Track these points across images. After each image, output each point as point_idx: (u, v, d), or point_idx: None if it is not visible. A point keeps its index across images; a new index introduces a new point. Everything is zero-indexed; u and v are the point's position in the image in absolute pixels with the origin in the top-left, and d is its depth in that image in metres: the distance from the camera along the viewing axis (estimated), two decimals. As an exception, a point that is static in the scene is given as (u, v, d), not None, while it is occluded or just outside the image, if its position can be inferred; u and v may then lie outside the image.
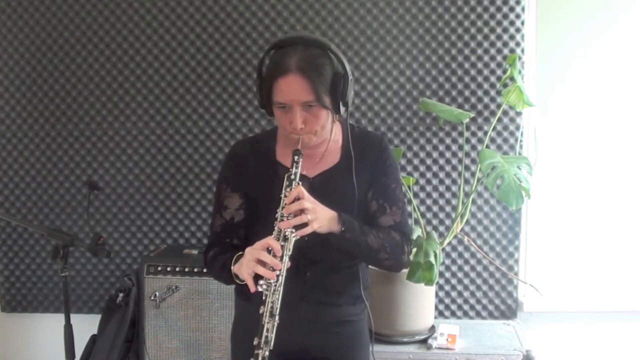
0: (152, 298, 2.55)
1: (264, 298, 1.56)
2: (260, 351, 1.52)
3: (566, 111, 2.70)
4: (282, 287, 1.55)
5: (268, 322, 1.54)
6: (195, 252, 2.64)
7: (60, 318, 2.22)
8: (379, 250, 1.71)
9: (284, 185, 1.63)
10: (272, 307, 1.55)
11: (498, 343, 2.48)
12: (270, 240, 1.57)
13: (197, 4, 2.76)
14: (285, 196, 1.60)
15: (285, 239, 1.57)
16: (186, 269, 2.54)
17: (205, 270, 1.84)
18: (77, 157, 2.87)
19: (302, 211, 1.58)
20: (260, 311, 1.55)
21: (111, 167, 2.86)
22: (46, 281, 2.94)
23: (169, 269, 2.55)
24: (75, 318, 2.24)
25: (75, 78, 2.83)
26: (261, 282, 1.55)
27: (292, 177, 1.63)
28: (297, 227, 1.58)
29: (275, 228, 1.59)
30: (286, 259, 1.57)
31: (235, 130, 2.79)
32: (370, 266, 1.90)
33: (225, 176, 1.82)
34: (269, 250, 1.56)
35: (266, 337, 1.53)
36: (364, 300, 1.82)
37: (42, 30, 2.81)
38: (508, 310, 2.76)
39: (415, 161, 2.75)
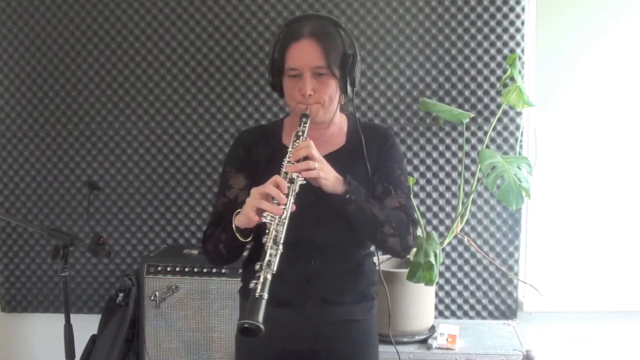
0: (152, 298, 2.55)
1: (267, 227, 1.53)
2: (262, 272, 1.47)
3: (566, 111, 2.70)
4: (287, 221, 1.53)
5: (272, 248, 1.50)
6: (195, 252, 2.63)
7: (60, 318, 2.23)
8: (384, 222, 1.67)
9: (292, 141, 1.64)
10: (275, 236, 1.51)
11: (498, 343, 2.48)
12: (277, 177, 1.56)
13: (197, 4, 2.76)
14: (293, 147, 1.62)
15: (292, 181, 1.57)
16: (186, 269, 2.54)
17: (202, 251, 1.78)
18: (77, 157, 2.86)
19: (309, 158, 1.58)
20: (263, 240, 1.52)
21: (111, 167, 2.86)
22: (46, 281, 2.94)
23: (169, 269, 2.55)
24: (75, 318, 2.24)
25: (75, 78, 2.83)
26: (265, 213, 1.53)
27: (300, 133, 1.64)
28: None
29: (282, 171, 1.59)
30: (291, 199, 1.55)
31: (235, 130, 2.79)
32: (373, 262, 1.89)
33: (231, 158, 1.83)
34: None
35: (269, 260, 1.48)
36: (372, 297, 1.81)
37: (42, 30, 2.81)
38: (508, 310, 2.76)
39: (415, 161, 2.75)
